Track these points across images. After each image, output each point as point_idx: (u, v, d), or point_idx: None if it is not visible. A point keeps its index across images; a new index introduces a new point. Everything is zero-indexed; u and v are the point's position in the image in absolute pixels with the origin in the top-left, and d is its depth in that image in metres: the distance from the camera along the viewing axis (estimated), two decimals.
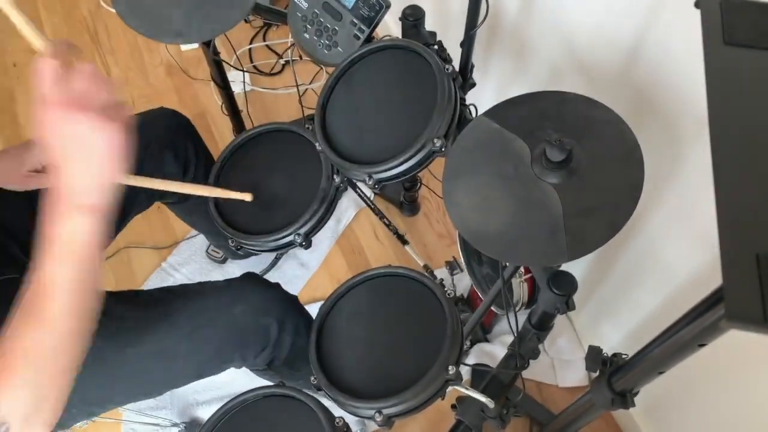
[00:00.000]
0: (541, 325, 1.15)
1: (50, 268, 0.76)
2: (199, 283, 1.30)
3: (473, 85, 1.51)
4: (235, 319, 1.21)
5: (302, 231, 1.15)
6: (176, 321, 1.19)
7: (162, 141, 1.39)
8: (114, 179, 0.75)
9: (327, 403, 1.03)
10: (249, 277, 1.33)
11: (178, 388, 1.27)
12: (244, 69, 2.33)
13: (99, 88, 0.71)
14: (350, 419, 1.03)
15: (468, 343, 1.79)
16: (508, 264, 1.20)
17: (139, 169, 1.36)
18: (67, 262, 0.76)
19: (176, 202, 1.58)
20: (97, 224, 0.76)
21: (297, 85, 1.97)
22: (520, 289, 1.47)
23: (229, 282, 1.30)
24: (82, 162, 0.73)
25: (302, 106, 1.83)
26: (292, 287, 1.94)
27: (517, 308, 1.49)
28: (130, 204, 1.38)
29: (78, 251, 0.76)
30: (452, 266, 1.89)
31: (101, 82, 0.72)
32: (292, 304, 1.34)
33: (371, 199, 1.85)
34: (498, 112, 0.95)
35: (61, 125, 0.70)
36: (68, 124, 0.70)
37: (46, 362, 0.78)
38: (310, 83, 2.36)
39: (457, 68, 1.24)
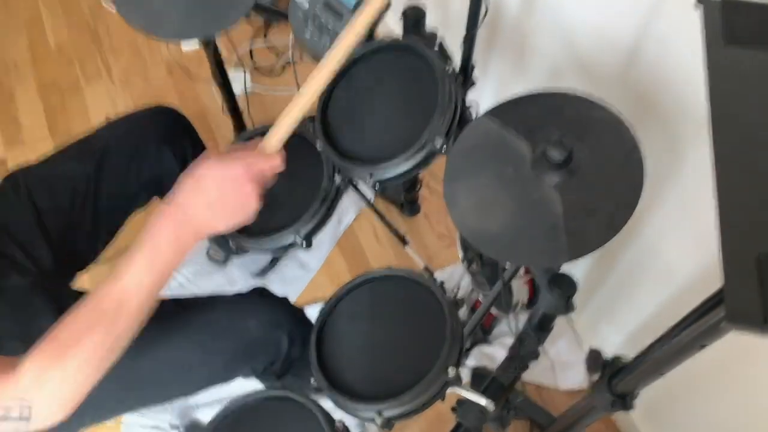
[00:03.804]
0: (541, 327, 1.15)
1: (142, 279, 0.84)
2: (210, 296, 1.30)
3: (474, 84, 1.51)
4: (248, 332, 1.22)
5: (303, 232, 1.14)
6: (189, 333, 1.19)
7: (160, 138, 1.40)
8: (215, 230, 0.90)
9: (327, 404, 1.03)
10: (259, 291, 1.34)
11: (187, 396, 1.27)
12: (245, 69, 2.33)
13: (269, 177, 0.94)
14: (350, 421, 1.03)
15: (468, 344, 1.79)
16: (508, 265, 1.19)
17: (141, 163, 1.36)
18: (156, 275, 0.85)
19: None
20: (184, 253, 0.88)
21: (298, 85, 1.96)
22: (520, 290, 1.47)
23: (240, 296, 1.31)
24: (219, 209, 0.89)
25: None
26: (292, 288, 1.94)
27: (517, 309, 1.49)
28: (130, 199, 1.38)
29: (168, 268, 0.87)
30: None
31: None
32: (300, 316, 1.35)
33: (372, 199, 1.84)
34: (499, 111, 0.94)
35: (239, 184, 0.88)
36: (243, 185, 0.89)
37: (94, 363, 0.84)
38: None
39: (457, 68, 1.24)
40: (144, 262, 0.85)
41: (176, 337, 1.18)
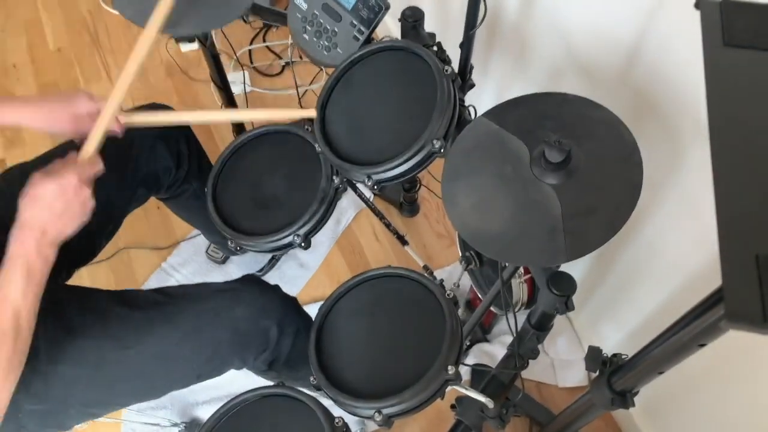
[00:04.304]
0: (541, 326, 1.15)
1: (24, 290, 0.95)
2: (199, 285, 1.30)
3: (472, 86, 1.51)
4: (236, 321, 1.22)
5: (302, 232, 1.15)
6: (177, 323, 1.19)
7: (154, 134, 1.40)
8: (66, 235, 1.00)
9: (326, 402, 1.03)
10: (248, 279, 1.33)
11: (179, 390, 1.27)
12: (244, 70, 2.34)
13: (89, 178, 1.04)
14: (350, 419, 1.03)
15: (467, 343, 1.79)
16: (507, 264, 1.20)
17: (136, 160, 1.38)
18: (35, 287, 0.96)
19: (170, 197, 1.58)
20: (50, 263, 0.99)
21: (297, 86, 1.97)
22: (519, 289, 1.47)
23: (228, 284, 1.30)
24: (67, 216, 0.99)
25: (302, 107, 1.83)
26: (291, 287, 1.95)
27: (516, 308, 1.49)
28: (126, 196, 1.38)
29: (41, 279, 0.97)
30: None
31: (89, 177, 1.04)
32: (292, 305, 1.34)
33: (371, 199, 1.85)
34: (497, 112, 0.95)
35: (67, 190, 0.99)
36: (79, 191, 1.00)
37: (10, 377, 0.94)
38: (310, 84, 2.36)
39: (456, 69, 1.24)
40: (21, 278, 0.94)
41: (163, 327, 1.18)
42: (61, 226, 0.99)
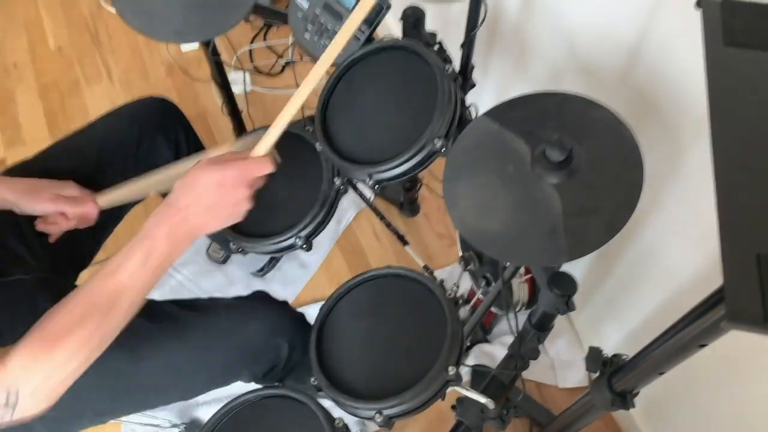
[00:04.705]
0: (541, 326, 1.15)
1: (137, 273, 0.88)
2: (212, 299, 1.30)
3: (473, 85, 1.51)
4: (248, 337, 1.22)
5: (303, 234, 1.14)
6: (189, 337, 1.19)
7: (152, 126, 1.41)
8: (208, 231, 0.94)
9: (327, 403, 1.03)
10: (260, 296, 1.34)
11: (187, 400, 1.27)
12: (245, 69, 2.33)
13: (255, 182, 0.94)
14: (350, 420, 1.03)
15: (468, 343, 1.79)
16: (508, 264, 1.20)
17: (136, 152, 1.38)
18: (149, 273, 0.88)
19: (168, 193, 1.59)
20: (178, 253, 0.91)
21: (297, 86, 1.96)
22: (520, 289, 1.47)
23: (241, 300, 1.31)
24: (215, 212, 0.92)
25: (302, 107, 1.82)
26: (292, 288, 1.95)
27: (517, 309, 1.49)
28: None
29: (162, 266, 0.90)
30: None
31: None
32: (301, 322, 1.35)
33: (371, 199, 1.84)
34: (498, 112, 0.95)
35: (227, 189, 0.91)
36: (237, 189, 0.91)
37: (82, 356, 0.85)
38: None
39: (457, 69, 1.24)
40: (139, 259, 0.87)
41: (175, 342, 1.18)
42: (206, 219, 0.92)
